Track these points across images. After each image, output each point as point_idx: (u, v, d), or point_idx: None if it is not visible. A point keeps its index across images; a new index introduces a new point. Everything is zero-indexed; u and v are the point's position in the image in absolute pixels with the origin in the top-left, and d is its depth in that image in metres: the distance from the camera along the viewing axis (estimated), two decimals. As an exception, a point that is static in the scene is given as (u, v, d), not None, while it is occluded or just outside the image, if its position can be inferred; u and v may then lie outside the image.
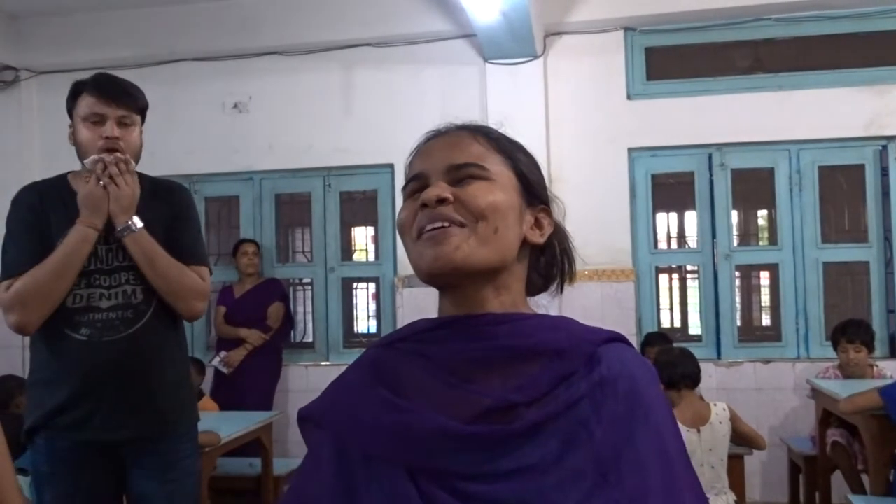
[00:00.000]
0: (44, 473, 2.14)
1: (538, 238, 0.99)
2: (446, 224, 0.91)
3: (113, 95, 2.12)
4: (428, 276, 0.93)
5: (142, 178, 2.25)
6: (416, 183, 0.96)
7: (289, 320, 5.17)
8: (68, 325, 2.10)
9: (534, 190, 0.99)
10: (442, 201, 0.91)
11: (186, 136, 5.24)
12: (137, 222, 2.11)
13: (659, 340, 4.29)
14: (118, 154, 2.10)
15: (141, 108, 2.20)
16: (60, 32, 5.41)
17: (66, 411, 2.10)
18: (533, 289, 1.02)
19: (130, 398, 2.10)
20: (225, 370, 4.84)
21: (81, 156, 2.16)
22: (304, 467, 0.95)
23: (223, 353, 4.89)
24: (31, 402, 2.19)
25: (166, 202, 2.26)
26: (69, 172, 2.25)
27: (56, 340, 2.12)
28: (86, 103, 2.12)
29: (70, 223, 2.08)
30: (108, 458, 2.14)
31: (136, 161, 2.20)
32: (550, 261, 1.03)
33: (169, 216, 2.24)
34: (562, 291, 1.06)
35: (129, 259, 2.13)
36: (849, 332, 4.06)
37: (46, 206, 2.16)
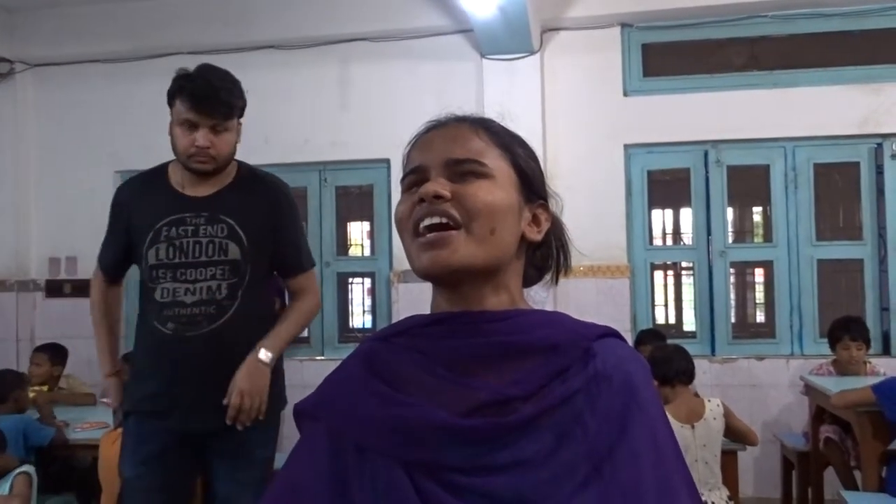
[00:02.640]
0: (127, 452, 2.22)
1: (535, 235, 0.98)
2: (444, 220, 0.90)
3: (207, 107, 2.13)
4: (424, 276, 0.94)
5: (241, 167, 2.30)
6: (415, 176, 0.95)
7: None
8: (157, 318, 2.17)
9: (532, 186, 0.98)
10: (440, 198, 0.91)
11: (182, 129, 5.22)
12: (265, 357, 2.18)
13: (652, 338, 4.27)
14: (242, 417, 2.14)
15: (238, 113, 2.23)
16: (56, 25, 5.39)
17: (151, 400, 2.18)
18: (528, 281, 1.02)
19: (210, 392, 2.14)
20: None
21: (175, 153, 2.21)
22: (297, 455, 0.95)
23: None
24: (128, 387, 2.29)
25: (266, 194, 2.28)
26: (170, 162, 2.29)
27: (147, 332, 2.21)
28: (181, 108, 2.15)
29: (153, 219, 2.18)
30: (188, 446, 2.21)
31: (230, 159, 2.25)
32: (546, 254, 1.03)
33: (271, 210, 2.25)
34: (556, 283, 1.06)
35: (214, 253, 2.16)
36: (852, 330, 4.04)
37: (135, 198, 2.26)
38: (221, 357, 2.15)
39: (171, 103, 2.19)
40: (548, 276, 1.05)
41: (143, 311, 2.25)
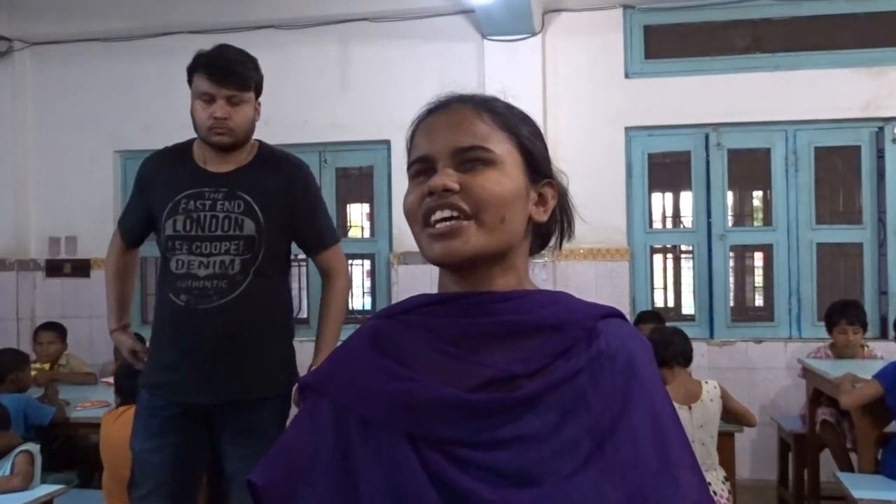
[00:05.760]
0: (139, 425, 2.26)
1: (542, 216, 0.99)
2: (454, 213, 0.91)
3: (222, 76, 2.19)
4: (437, 265, 0.95)
5: (261, 146, 2.34)
6: (422, 165, 0.96)
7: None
8: (171, 289, 2.22)
9: (538, 166, 0.98)
10: (448, 190, 0.91)
11: (181, 110, 5.17)
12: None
13: (652, 319, 4.31)
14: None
15: (254, 85, 2.27)
16: (54, 3, 5.35)
17: (164, 373, 2.22)
18: (530, 251, 1.03)
19: (221, 366, 2.18)
20: None
21: (196, 129, 2.26)
22: (299, 427, 0.96)
23: None
24: (149, 355, 2.34)
25: (286, 174, 2.31)
26: (196, 138, 2.33)
27: (163, 303, 2.26)
28: (199, 81, 2.21)
29: (173, 192, 2.24)
30: (199, 421, 2.23)
31: (251, 134, 2.29)
32: (549, 230, 1.03)
33: (288, 189, 2.29)
34: (560, 248, 1.07)
35: (230, 228, 2.19)
36: (849, 314, 4.06)
37: (158, 174, 2.32)
38: (231, 332, 2.17)
39: (190, 82, 2.25)
40: (552, 242, 1.05)
41: (161, 282, 2.30)
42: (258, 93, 2.30)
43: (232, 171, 2.26)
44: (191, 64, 2.24)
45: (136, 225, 2.42)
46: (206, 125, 2.20)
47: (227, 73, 2.19)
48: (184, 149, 2.35)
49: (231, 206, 2.21)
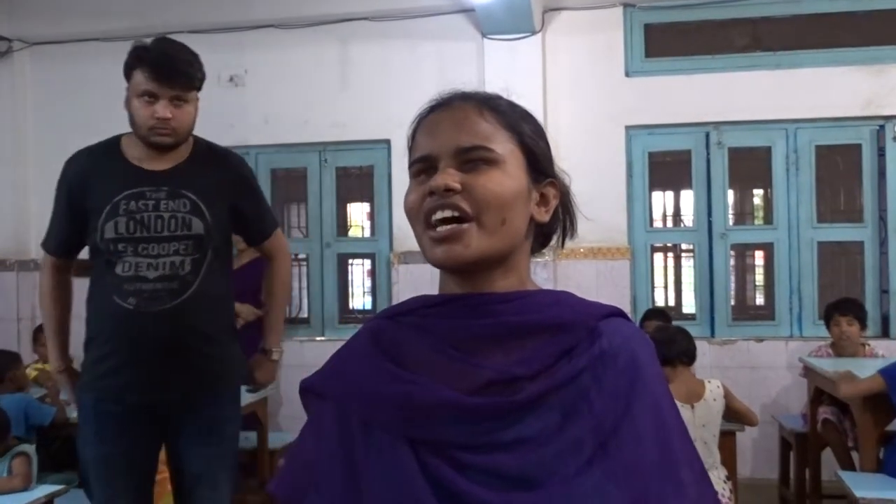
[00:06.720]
0: (88, 433, 2.21)
1: (544, 216, 0.98)
2: (455, 213, 0.90)
3: (167, 76, 2.11)
4: (438, 268, 0.95)
5: (198, 142, 2.29)
6: (423, 164, 0.95)
7: (283, 297, 5.15)
8: (117, 293, 2.14)
9: (540, 165, 0.98)
10: (450, 190, 0.91)
11: (181, 109, 5.20)
12: (277, 356, 2.47)
13: (657, 316, 4.32)
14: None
15: (197, 85, 2.20)
16: (54, 3, 5.35)
17: (111, 376, 2.16)
18: (532, 252, 1.02)
19: (174, 366, 2.15)
20: None
21: (133, 127, 2.19)
22: (305, 435, 0.96)
23: None
24: (84, 363, 2.26)
25: (227, 169, 2.30)
26: (123, 135, 2.26)
27: (106, 307, 2.17)
28: (140, 79, 2.13)
29: (109, 192, 2.15)
30: (151, 423, 2.20)
31: (190, 133, 2.24)
32: (551, 229, 1.03)
33: (232, 185, 2.28)
34: (563, 246, 1.07)
35: (178, 228, 2.15)
36: (842, 307, 4.11)
37: (90, 175, 2.21)
38: (183, 332, 2.14)
39: (128, 75, 2.16)
40: (553, 242, 1.05)
41: (98, 287, 2.20)
42: (200, 88, 2.23)
43: (171, 169, 2.20)
44: (129, 58, 2.15)
45: (68, 238, 2.27)
46: (148, 125, 2.13)
47: (173, 72, 2.11)
48: (111, 147, 2.25)
49: (176, 206, 2.16)
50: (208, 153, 2.28)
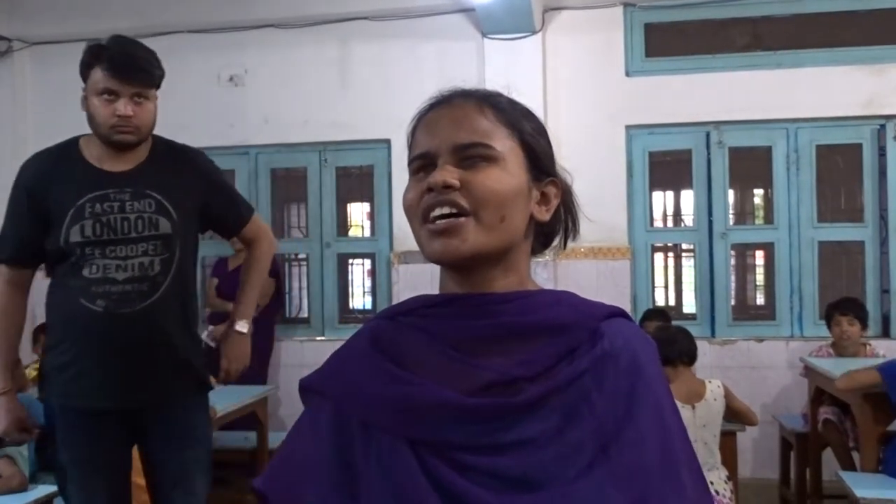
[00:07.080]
0: (58, 439, 2.18)
1: (544, 215, 0.97)
2: (454, 210, 0.90)
3: (127, 74, 2.09)
4: (435, 263, 0.94)
5: (156, 141, 2.26)
6: (422, 161, 0.94)
7: (279, 296, 5.14)
8: (85, 295, 2.10)
9: (541, 163, 0.97)
10: (448, 187, 0.90)
11: (181, 109, 5.17)
12: (243, 328, 2.40)
13: (657, 317, 4.32)
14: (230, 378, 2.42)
15: (157, 82, 2.18)
16: (54, 3, 5.35)
17: (78, 380, 2.13)
18: (532, 252, 1.01)
19: (144, 369, 2.13)
20: (212, 344, 4.83)
21: (93, 127, 2.15)
22: (301, 429, 0.95)
23: (211, 328, 4.88)
24: (48, 367, 2.21)
25: (191, 168, 2.27)
26: (81, 137, 2.22)
27: (72, 310, 2.12)
28: (99, 77, 2.10)
29: (72, 195, 2.11)
30: (122, 427, 2.17)
31: (151, 132, 2.21)
32: (552, 229, 1.02)
33: (198, 185, 2.26)
34: (565, 247, 1.06)
35: (145, 229, 2.13)
36: (841, 306, 4.11)
37: (50, 177, 2.15)
38: (154, 333, 2.12)
39: (85, 75, 2.13)
40: (555, 242, 1.04)
41: (62, 291, 2.15)
42: (158, 86, 2.21)
43: (133, 170, 2.17)
44: (87, 56, 2.11)
45: (26, 245, 2.18)
46: (109, 123, 2.09)
47: (134, 69, 2.09)
48: (69, 149, 2.20)
49: (142, 206, 2.13)
50: (169, 152, 2.26)
